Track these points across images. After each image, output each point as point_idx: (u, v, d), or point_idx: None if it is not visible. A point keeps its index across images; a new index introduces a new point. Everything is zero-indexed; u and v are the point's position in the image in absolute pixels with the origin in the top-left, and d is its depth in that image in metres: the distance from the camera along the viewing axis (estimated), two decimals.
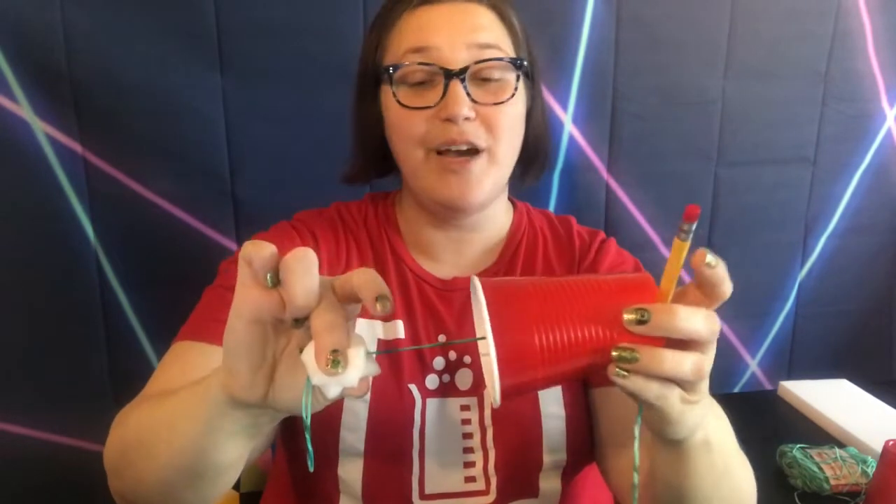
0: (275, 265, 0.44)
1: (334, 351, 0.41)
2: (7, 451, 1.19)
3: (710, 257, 0.44)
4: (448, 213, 0.79)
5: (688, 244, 0.45)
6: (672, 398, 0.46)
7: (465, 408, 0.78)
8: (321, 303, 0.43)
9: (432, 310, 0.80)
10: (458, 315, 0.80)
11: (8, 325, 1.17)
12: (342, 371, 0.41)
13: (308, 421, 0.45)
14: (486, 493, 0.77)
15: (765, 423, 1.28)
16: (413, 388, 0.77)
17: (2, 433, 1.19)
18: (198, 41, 1.13)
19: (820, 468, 1.03)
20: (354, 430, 0.74)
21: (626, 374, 0.44)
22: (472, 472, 0.77)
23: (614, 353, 0.44)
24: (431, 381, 0.78)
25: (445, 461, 0.77)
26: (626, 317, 0.44)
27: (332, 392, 0.43)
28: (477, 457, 0.77)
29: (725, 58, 1.33)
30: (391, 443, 0.76)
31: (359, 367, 0.43)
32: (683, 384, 0.46)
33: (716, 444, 0.54)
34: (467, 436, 0.77)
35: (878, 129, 1.45)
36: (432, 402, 0.77)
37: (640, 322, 0.44)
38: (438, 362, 0.78)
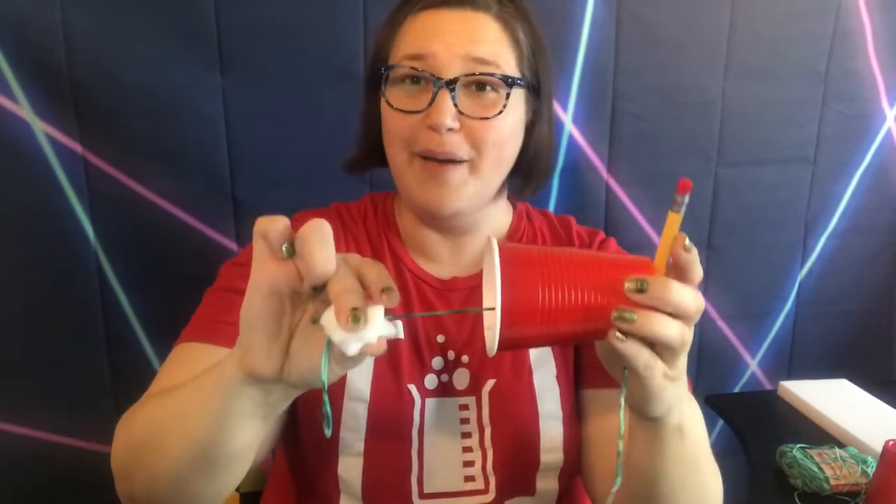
0: (289, 236, 0.45)
1: (354, 308, 0.43)
2: (7, 451, 1.20)
3: (688, 242, 0.49)
4: (429, 219, 0.79)
5: (681, 216, 0.49)
6: (656, 370, 0.50)
7: (463, 407, 0.78)
8: (337, 271, 0.45)
9: (431, 309, 0.80)
10: (457, 315, 0.80)
11: (8, 325, 1.17)
12: (363, 326, 0.43)
13: (326, 384, 0.46)
14: (485, 491, 0.77)
15: (765, 423, 1.28)
16: (412, 388, 0.77)
17: (2, 433, 1.19)
18: (198, 41, 1.13)
19: (820, 468, 1.03)
20: (354, 429, 0.75)
21: (623, 338, 0.48)
22: (471, 471, 0.77)
23: (615, 313, 0.48)
24: (430, 381, 0.78)
25: (444, 460, 0.77)
26: (628, 284, 0.48)
27: (353, 349, 0.44)
28: (476, 456, 0.77)
29: (725, 58, 1.33)
30: (390, 442, 0.76)
31: (378, 324, 0.44)
32: (667, 354, 0.50)
33: (688, 433, 0.57)
34: (466, 435, 0.77)
35: (878, 129, 1.45)
36: (431, 402, 0.77)
37: (639, 290, 0.48)
38: (437, 362, 0.78)
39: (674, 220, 0.49)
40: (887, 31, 1.39)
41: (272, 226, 0.45)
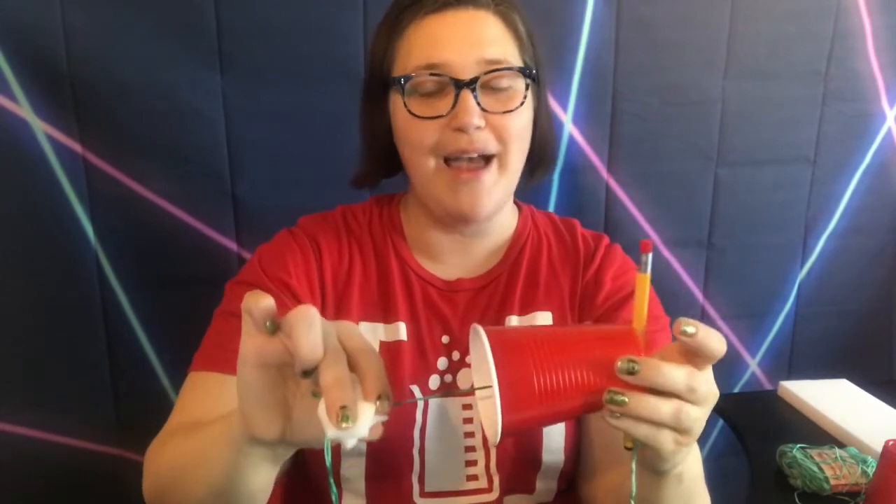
0: (272, 314, 0.47)
1: (343, 407, 0.44)
2: (7, 451, 1.19)
3: (688, 326, 0.48)
4: (457, 223, 0.80)
5: (648, 275, 0.51)
6: (662, 438, 0.50)
7: (466, 407, 0.78)
8: (326, 356, 0.46)
9: (436, 311, 0.80)
10: (461, 316, 0.80)
11: (8, 326, 1.17)
12: (352, 425, 0.44)
13: (329, 463, 0.49)
14: (488, 490, 0.77)
15: (765, 423, 1.28)
16: (415, 388, 0.77)
17: (2, 433, 1.19)
18: (198, 41, 1.13)
19: (820, 468, 1.03)
20: None
21: (618, 415, 0.49)
22: (473, 470, 0.77)
23: (606, 396, 0.49)
24: (434, 382, 0.78)
25: (446, 460, 0.77)
26: (619, 365, 0.49)
27: (349, 444, 0.46)
28: (479, 455, 0.77)
29: (725, 58, 1.33)
30: (392, 442, 0.76)
31: (367, 421, 0.46)
32: (674, 429, 0.50)
33: (687, 479, 0.59)
34: (469, 434, 0.77)
35: (878, 129, 1.45)
36: (434, 402, 0.77)
37: (630, 372, 0.48)
38: (442, 363, 0.79)
39: (643, 280, 0.51)
40: (887, 31, 1.39)
41: (256, 304, 0.46)
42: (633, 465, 0.54)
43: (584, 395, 0.50)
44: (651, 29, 1.29)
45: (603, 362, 0.50)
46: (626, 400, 0.48)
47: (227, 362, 0.70)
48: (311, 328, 0.45)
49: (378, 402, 0.46)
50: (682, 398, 0.49)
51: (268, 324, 0.46)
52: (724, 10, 1.31)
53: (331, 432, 0.44)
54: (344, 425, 0.43)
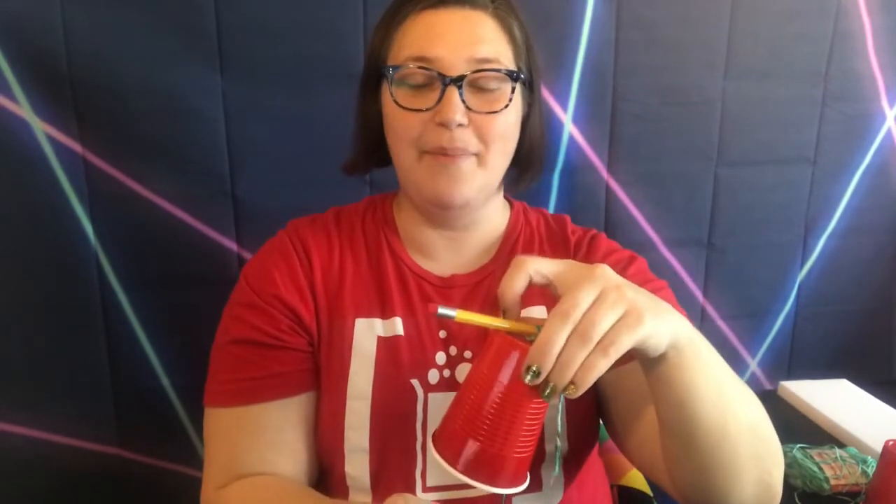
0: None
1: None
2: (7, 451, 1.19)
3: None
4: (437, 211, 0.81)
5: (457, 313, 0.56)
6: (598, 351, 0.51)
7: None
8: None
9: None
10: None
11: (8, 325, 1.17)
12: None
13: None
14: None
15: None
16: (415, 382, 0.77)
17: (2, 433, 1.19)
18: (198, 41, 1.13)
19: (820, 468, 1.03)
20: (358, 428, 0.75)
21: (574, 391, 0.52)
22: None
23: (527, 378, 0.52)
24: (433, 376, 0.78)
25: None
26: (528, 381, 0.52)
27: None
28: None
29: (725, 58, 1.33)
30: (394, 438, 0.76)
31: None
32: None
33: (698, 339, 0.59)
34: None
35: (878, 129, 1.45)
36: (434, 397, 0.77)
37: (537, 375, 0.52)
38: (440, 357, 0.79)
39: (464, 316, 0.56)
40: (887, 32, 1.39)
41: None
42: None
43: (535, 418, 0.55)
44: (651, 29, 1.29)
45: (518, 387, 0.54)
46: (538, 369, 0.51)
47: (248, 392, 0.74)
48: None
49: None
50: (580, 323, 0.51)
51: None
52: (724, 10, 1.31)
53: None
54: None
